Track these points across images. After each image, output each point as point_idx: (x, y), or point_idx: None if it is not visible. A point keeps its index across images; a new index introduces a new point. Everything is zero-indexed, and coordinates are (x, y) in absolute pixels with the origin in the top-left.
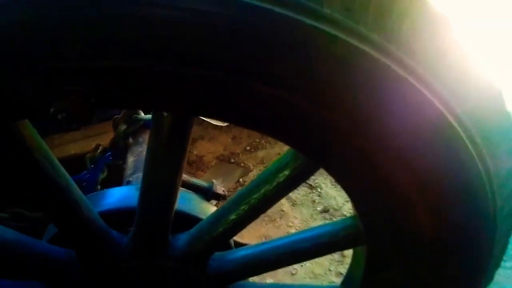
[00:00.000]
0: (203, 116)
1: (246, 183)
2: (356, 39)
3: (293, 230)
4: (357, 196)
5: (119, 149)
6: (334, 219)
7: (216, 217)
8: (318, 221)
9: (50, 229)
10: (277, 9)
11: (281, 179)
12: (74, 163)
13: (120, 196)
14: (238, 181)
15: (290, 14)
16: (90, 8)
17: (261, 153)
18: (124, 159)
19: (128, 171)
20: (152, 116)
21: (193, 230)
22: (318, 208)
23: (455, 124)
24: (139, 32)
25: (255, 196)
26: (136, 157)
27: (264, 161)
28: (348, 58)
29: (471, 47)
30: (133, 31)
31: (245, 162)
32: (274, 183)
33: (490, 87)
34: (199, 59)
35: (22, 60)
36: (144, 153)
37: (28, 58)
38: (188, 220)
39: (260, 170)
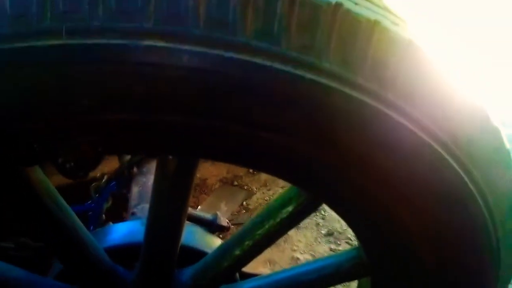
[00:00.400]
0: (211, 160)
1: (250, 206)
2: (354, 90)
3: (297, 254)
4: (359, 228)
5: (123, 178)
6: (339, 242)
7: (221, 252)
8: (322, 245)
9: (56, 266)
10: (277, 66)
11: (285, 215)
12: (75, 191)
13: (125, 231)
14: (242, 204)
15: (290, 70)
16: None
17: (264, 176)
18: (128, 187)
19: (133, 202)
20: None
21: (198, 264)
22: (322, 231)
23: (452, 162)
24: (145, 88)
25: (259, 232)
26: (141, 187)
27: (267, 184)
28: (346, 107)
29: (468, 87)
30: (138, 87)
31: (248, 184)
32: (278, 219)
33: (490, 129)
34: (208, 110)
35: (32, 118)
36: (149, 183)
37: (39, 115)
38: (193, 254)
39: (263, 193)
